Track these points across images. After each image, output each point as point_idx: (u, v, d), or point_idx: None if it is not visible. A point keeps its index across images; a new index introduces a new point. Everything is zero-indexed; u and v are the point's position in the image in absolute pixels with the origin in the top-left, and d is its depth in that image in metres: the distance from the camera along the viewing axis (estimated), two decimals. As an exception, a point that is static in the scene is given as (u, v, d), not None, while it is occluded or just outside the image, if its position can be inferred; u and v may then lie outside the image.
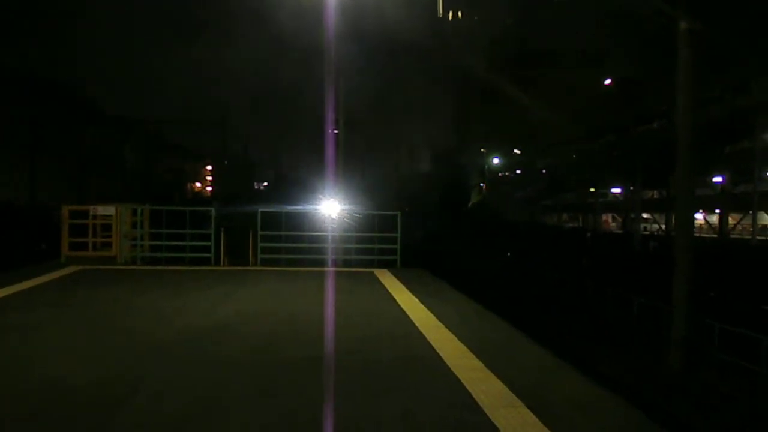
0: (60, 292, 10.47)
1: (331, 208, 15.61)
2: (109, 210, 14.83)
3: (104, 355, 6.38)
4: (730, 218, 38.18)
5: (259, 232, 14.75)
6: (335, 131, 17.69)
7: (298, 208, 16.52)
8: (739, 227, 38.36)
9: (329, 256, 14.85)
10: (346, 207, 15.72)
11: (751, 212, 33.74)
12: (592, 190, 50.59)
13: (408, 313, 8.83)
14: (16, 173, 34.49)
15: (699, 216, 41.11)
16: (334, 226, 15.32)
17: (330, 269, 13.95)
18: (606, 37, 39.03)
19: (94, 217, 14.85)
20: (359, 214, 16.10)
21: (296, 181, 62.93)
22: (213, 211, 15.43)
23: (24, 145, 35.45)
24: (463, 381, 5.57)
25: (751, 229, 34.08)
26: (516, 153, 64.95)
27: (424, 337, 7.29)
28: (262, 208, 15.29)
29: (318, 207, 15.97)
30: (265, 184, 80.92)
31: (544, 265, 23.90)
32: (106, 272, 13.03)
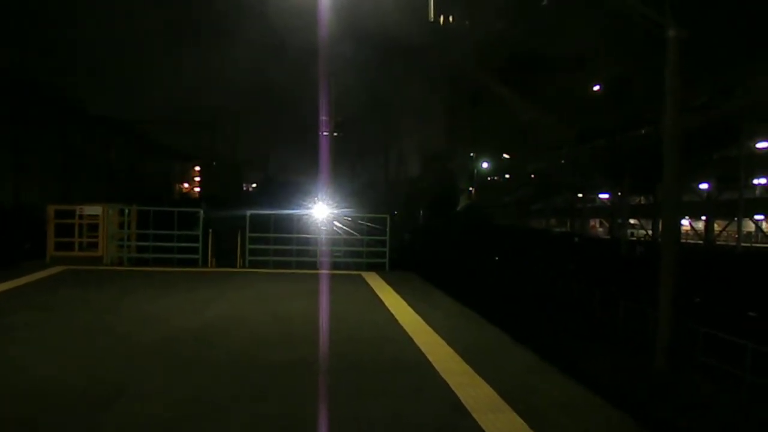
0: (44, 292, 10.32)
1: (321, 211, 15.57)
2: (96, 210, 14.68)
3: (90, 357, 6.30)
4: (716, 225, 38.57)
5: (248, 234, 14.68)
6: (325, 133, 17.69)
7: (288, 211, 16.42)
8: (725, 234, 38.77)
9: (318, 259, 14.84)
10: (335, 210, 15.71)
11: (736, 219, 34.13)
12: (580, 195, 50.89)
13: (396, 316, 8.82)
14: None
15: (685, 222, 41.53)
16: (324, 228, 15.29)
17: (318, 272, 13.90)
18: (595, 41, 39.35)
19: (81, 217, 14.71)
20: (349, 216, 16.10)
21: (286, 183, 62.80)
22: (201, 212, 15.34)
23: (8, 145, 34.99)
24: (452, 385, 5.57)
25: (736, 236, 34.47)
26: (505, 157, 65.21)
27: (413, 341, 7.29)
28: (251, 211, 15.23)
29: (308, 210, 15.92)
30: (254, 185, 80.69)
31: (533, 269, 23.99)
32: (92, 273, 12.88)
